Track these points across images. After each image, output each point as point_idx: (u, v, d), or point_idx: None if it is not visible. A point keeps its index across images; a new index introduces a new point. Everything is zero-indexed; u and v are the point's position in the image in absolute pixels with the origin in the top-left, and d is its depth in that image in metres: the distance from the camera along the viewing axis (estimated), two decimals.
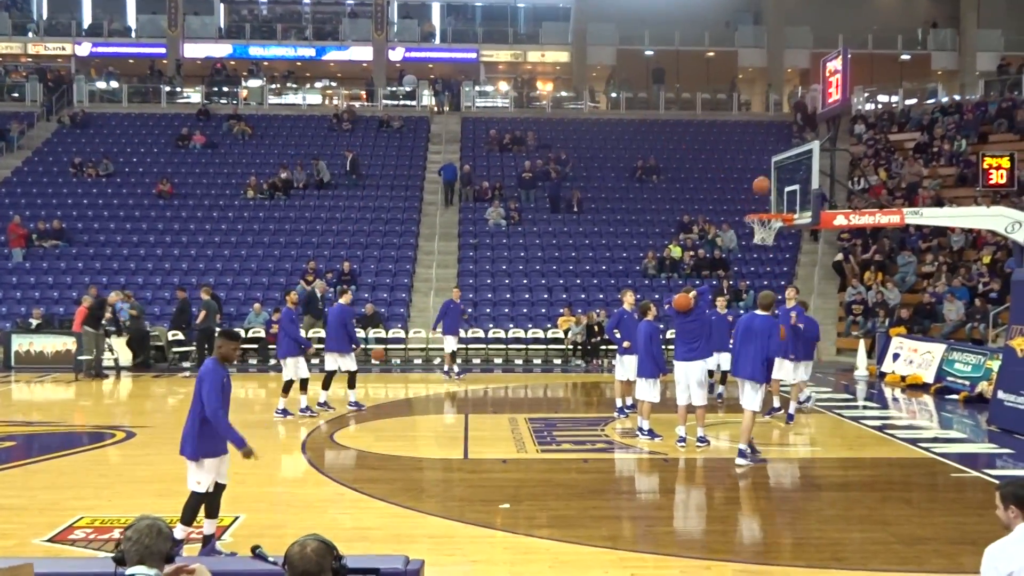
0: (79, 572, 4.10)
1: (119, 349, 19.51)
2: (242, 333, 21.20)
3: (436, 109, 32.96)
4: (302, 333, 21.19)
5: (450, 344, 18.17)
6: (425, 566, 5.15)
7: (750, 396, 10.48)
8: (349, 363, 14.32)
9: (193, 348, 20.56)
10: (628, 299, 13.70)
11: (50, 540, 7.52)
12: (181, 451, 7.06)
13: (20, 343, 20.08)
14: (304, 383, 13.80)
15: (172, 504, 8.54)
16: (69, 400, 16.45)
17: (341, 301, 14.90)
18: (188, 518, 7.05)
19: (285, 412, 13.59)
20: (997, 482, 9.68)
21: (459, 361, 19.33)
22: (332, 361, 14.32)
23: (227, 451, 7.11)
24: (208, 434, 6.91)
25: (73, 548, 7.33)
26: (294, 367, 13.73)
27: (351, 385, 14.44)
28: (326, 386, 14.28)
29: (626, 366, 13.19)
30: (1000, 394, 13.14)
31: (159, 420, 14.09)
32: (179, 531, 6.95)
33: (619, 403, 13.70)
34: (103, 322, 18.79)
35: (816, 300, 23.30)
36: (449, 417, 14.83)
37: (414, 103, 34.05)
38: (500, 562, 7.10)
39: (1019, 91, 28.94)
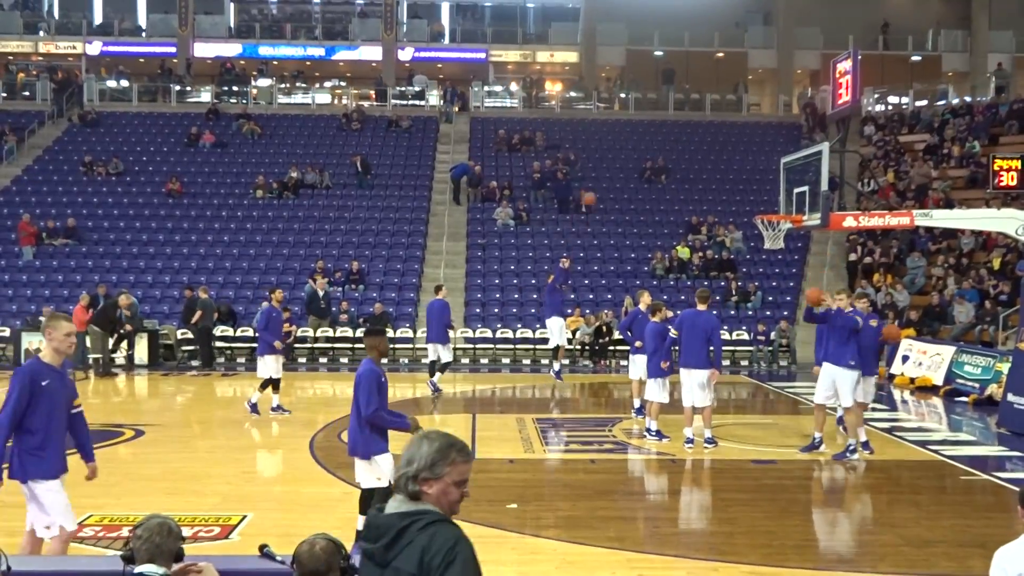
0: (87, 570, 4.11)
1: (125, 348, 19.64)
2: (251, 332, 21.31)
3: (443, 112, 32.62)
4: (311, 333, 21.53)
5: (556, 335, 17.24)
6: None
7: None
8: (446, 353, 15.95)
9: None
10: (645, 299, 13.58)
11: None
12: (351, 452, 7.22)
13: (30, 341, 20.15)
14: (276, 384, 13.71)
15: (181, 502, 8.58)
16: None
17: (439, 296, 16.16)
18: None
19: (254, 408, 13.61)
20: (1007, 485, 9.67)
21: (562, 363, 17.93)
22: (432, 351, 15.93)
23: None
24: (374, 433, 7.04)
25: (82, 546, 7.34)
26: (273, 365, 13.66)
27: (442, 370, 16.05)
28: (432, 372, 15.92)
29: (639, 366, 13.17)
30: (1010, 396, 13.09)
31: (168, 418, 14.14)
32: (361, 524, 7.01)
33: (637, 403, 13.64)
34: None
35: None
36: (456, 417, 14.83)
37: (423, 103, 34.05)
38: (507, 562, 7.09)
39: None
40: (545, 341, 21.82)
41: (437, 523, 2.81)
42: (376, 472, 7.11)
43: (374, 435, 7.08)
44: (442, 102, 33.00)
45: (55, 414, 5.84)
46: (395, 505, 2.89)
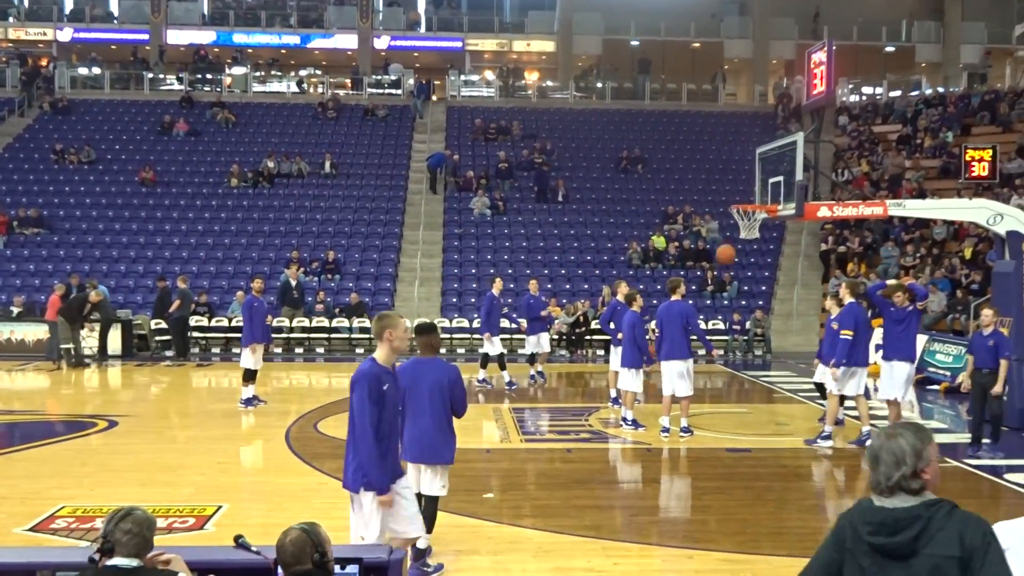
0: (59, 561, 4.08)
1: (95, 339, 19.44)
2: (226, 322, 21.20)
3: (414, 104, 32.29)
4: (286, 323, 21.40)
5: (531, 344, 16.82)
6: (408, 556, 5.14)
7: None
8: (489, 347, 15.93)
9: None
10: (622, 290, 13.61)
11: (31, 529, 7.48)
12: (435, 460, 6.60)
13: (0, 331, 19.96)
14: (253, 375, 13.64)
15: (154, 493, 8.53)
16: (50, 389, 16.35)
17: (493, 290, 16.29)
18: (432, 526, 6.70)
19: (249, 402, 13.58)
20: (977, 472, 9.79)
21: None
22: (487, 344, 16.01)
23: None
24: (453, 436, 6.67)
25: (54, 537, 7.29)
26: (252, 356, 13.55)
27: (483, 364, 16.21)
28: (503, 366, 16.04)
29: (620, 357, 13.17)
30: None
31: (141, 409, 14.03)
32: (422, 542, 6.53)
33: (613, 393, 13.69)
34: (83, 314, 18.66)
35: (800, 291, 23.44)
36: None
37: (399, 92, 33.88)
38: (484, 552, 7.11)
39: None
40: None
41: (957, 509, 3.05)
42: (443, 480, 6.69)
43: (453, 435, 6.68)
44: (412, 96, 32.68)
45: (392, 419, 5.60)
46: (899, 501, 3.03)
